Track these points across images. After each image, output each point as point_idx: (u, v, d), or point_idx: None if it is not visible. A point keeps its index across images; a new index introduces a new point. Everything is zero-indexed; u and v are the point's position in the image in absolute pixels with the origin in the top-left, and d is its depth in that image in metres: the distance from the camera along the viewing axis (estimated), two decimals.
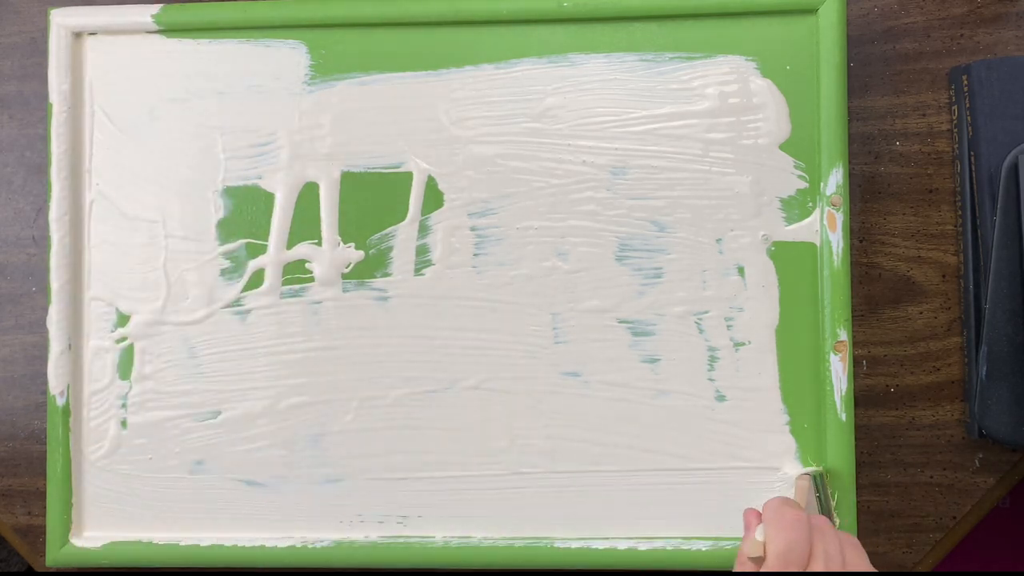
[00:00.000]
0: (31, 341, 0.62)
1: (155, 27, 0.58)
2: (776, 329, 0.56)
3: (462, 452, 0.57)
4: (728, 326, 0.56)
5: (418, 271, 0.58)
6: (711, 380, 0.56)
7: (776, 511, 0.45)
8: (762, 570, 0.43)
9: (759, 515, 0.46)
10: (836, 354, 0.55)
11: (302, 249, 0.58)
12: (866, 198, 0.58)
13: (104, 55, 0.59)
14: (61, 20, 0.59)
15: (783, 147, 0.56)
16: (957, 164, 0.57)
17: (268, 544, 0.57)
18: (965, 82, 0.56)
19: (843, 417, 0.55)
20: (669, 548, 0.56)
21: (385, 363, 0.58)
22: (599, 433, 0.57)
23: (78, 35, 0.59)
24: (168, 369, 0.59)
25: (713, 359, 0.56)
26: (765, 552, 0.43)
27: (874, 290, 0.58)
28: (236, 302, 0.58)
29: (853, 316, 0.57)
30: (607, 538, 0.56)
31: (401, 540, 0.57)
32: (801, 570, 0.43)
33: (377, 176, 0.58)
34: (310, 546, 0.57)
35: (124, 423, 0.59)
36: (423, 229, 0.58)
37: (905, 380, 0.58)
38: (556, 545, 0.56)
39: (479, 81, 0.58)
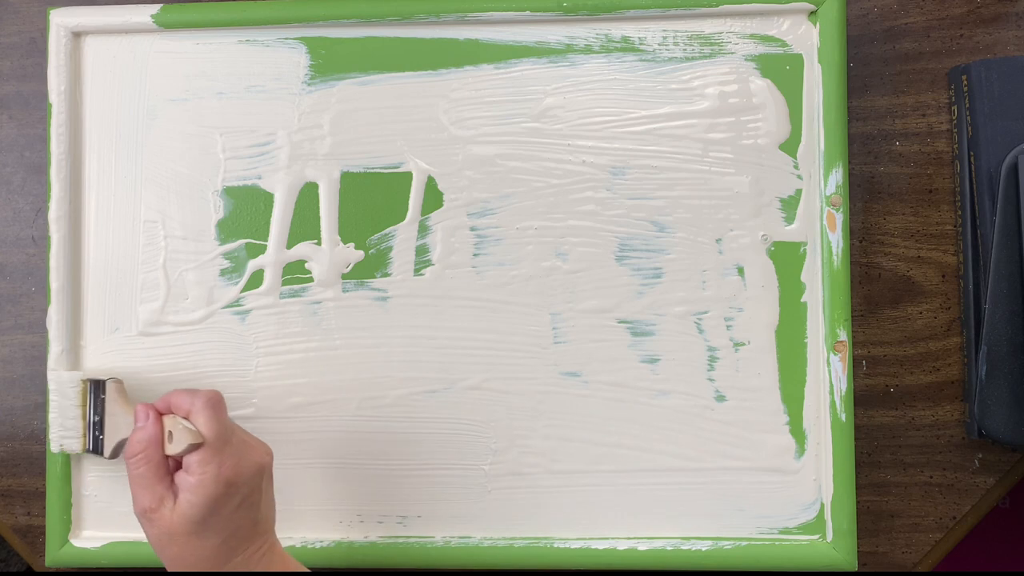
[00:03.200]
0: (31, 341, 0.62)
1: (154, 27, 0.58)
2: (776, 329, 0.56)
3: (462, 452, 0.57)
4: (728, 326, 0.56)
5: (418, 271, 0.58)
6: (711, 380, 0.56)
7: (195, 398, 0.49)
8: (204, 452, 0.48)
9: (152, 410, 0.50)
10: (836, 354, 0.55)
11: (302, 249, 0.58)
12: (866, 198, 0.58)
13: (103, 55, 0.59)
14: (60, 20, 0.59)
15: (783, 147, 0.56)
16: (957, 164, 0.57)
17: None
18: (965, 82, 0.56)
19: (843, 417, 0.55)
20: (669, 548, 0.56)
21: (385, 363, 0.58)
22: (599, 433, 0.57)
23: (77, 35, 0.59)
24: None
25: (713, 359, 0.56)
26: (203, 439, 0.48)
27: (874, 290, 0.58)
28: (236, 302, 0.58)
29: (853, 316, 0.57)
30: (607, 538, 0.56)
31: (401, 540, 0.57)
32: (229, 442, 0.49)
33: (377, 176, 0.58)
34: (310, 546, 0.57)
35: None
36: (423, 229, 0.58)
37: (905, 380, 0.58)
38: (556, 545, 0.56)
39: (478, 81, 0.58)
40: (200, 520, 0.47)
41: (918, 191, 0.58)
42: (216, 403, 0.49)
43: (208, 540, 0.47)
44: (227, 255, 0.58)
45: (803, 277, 0.56)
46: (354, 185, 0.58)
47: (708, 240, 0.56)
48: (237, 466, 0.48)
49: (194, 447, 0.48)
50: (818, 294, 0.56)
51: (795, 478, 0.56)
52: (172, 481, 0.49)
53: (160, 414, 0.50)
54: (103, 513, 0.59)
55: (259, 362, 0.58)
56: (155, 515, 0.48)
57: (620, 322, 0.57)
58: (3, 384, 0.62)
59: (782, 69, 0.56)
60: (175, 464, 0.50)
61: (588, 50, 0.57)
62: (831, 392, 0.55)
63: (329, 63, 0.58)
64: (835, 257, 0.55)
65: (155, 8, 0.58)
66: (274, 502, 0.52)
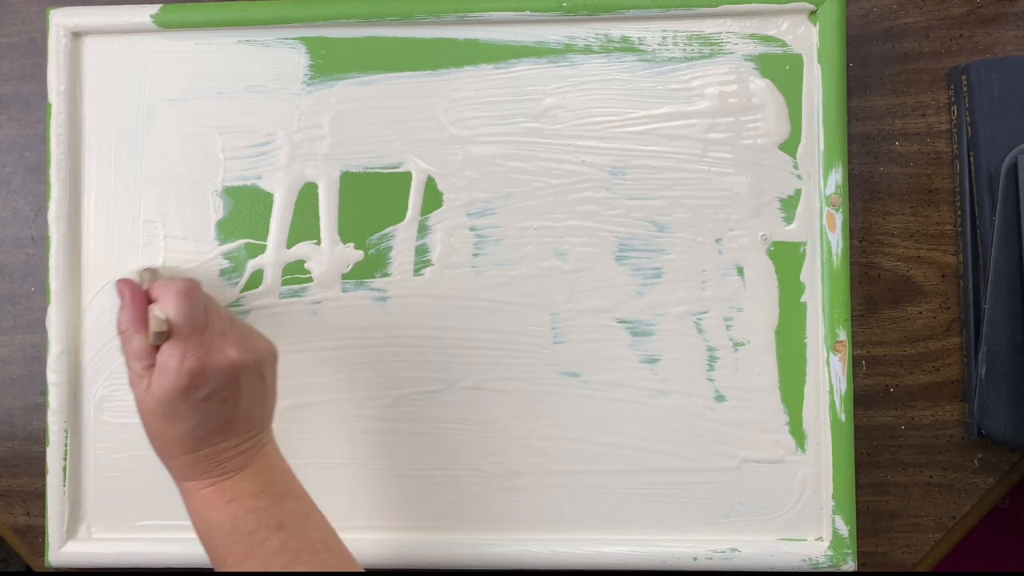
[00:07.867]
0: (30, 341, 0.62)
1: (154, 27, 0.58)
2: (776, 329, 0.56)
3: (462, 452, 0.57)
4: (727, 326, 0.56)
5: (417, 271, 0.58)
6: (710, 380, 0.56)
7: (168, 286, 0.49)
8: (172, 340, 0.48)
9: (135, 289, 0.50)
10: (836, 354, 0.55)
11: (301, 249, 0.58)
12: (866, 198, 0.58)
13: (103, 55, 0.59)
14: (60, 20, 0.59)
15: (783, 147, 0.56)
16: (956, 164, 0.57)
17: None
18: (964, 82, 0.56)
19: (843, 417, 0.55)
20: (668, 548, 0.56)
21: (385, 363, 0.58)
22: (599, 433, 0.57)
23: (77, 35, 0.59)
24: None
25: (712, 359, 0.56)
26: (171, 327, 0.48)
27: (874, 290, 0.58)
28: (235, 302, 0.58)
29: (853, 316, 0.57)
30: (607, 538, 0.56)
31: (400, 539, 0.57)
32: (202, 333, 0.48)
33: (376, 176, 0.58)
34: None
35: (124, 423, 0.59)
36: (422, 229, 0.58)
37: (904, 380, 0.58)
38: (556, 545, 0.56)
39: (478, 81, 0.58)
40: (167, 403, 0.47)
41: (918, 191, 0.58)
42: (187, 292, 0.49)
43: (177, 424, 0.48)
44: (227, 255, 0.58)
45: (803, 277, 0.56)
46: (354, 185, 0.58)
47: (708, 240, 0.56)
48: (204, 358, 0.48)
49: (161, 335, 0.48)
50: (818, 294, 0.56)
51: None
52: (153, 361, 0.49)
53: (143, 293, 0.50)
54: (103, 513, 0.59)
55: None
56: (136, 391, 0.49)
57: (620, 322, 0.57)
58: (3, 384, 0.62)
59: (782, 69, 0.56)
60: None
61: (588, 50, 0.57)
62: (831, 392, 0.55)
63: (329, 63, 0.58)
64: (835, 257, 0.55)
65: (155, 8, 0.58)
66: (268, 403, 0.52)
